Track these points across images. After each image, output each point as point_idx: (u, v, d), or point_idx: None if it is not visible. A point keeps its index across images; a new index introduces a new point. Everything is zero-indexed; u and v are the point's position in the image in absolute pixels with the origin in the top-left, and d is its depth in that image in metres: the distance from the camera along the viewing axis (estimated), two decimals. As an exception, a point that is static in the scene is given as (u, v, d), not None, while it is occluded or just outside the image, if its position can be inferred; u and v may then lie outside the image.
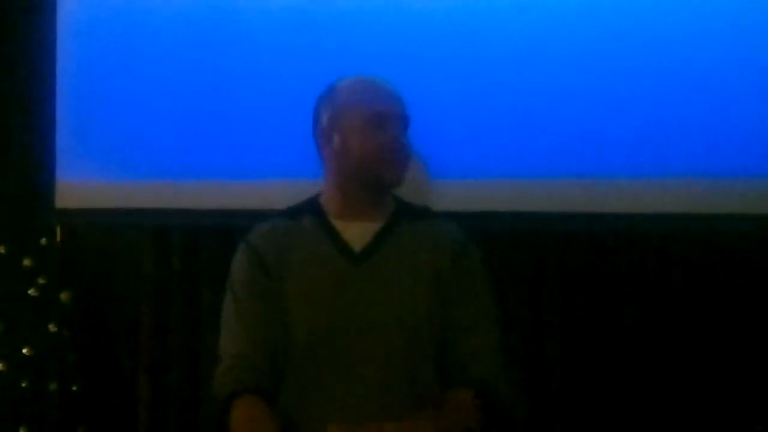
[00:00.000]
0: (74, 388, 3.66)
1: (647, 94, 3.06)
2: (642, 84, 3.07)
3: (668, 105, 3.05)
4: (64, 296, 3.68)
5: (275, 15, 3.40)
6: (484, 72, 3.18)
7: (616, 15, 3.09)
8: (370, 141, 2.27)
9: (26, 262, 3.66)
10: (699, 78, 3.02)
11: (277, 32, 3.39)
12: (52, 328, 3.64)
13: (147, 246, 3.69)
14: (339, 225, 2.33)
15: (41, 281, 3.66)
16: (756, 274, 3.10)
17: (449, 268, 2.31)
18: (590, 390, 3.21)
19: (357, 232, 2.32)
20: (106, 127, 3.59)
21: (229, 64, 3.44)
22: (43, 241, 3.73)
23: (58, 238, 3.80)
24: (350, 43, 3.28)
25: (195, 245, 3.62)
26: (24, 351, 3.60)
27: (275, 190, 3.19)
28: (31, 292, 3.64)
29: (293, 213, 2.41)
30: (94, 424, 3.70)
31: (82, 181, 3.62)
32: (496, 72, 3.18)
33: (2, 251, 3.68)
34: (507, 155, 3.16)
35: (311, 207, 2.39)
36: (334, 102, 2.32)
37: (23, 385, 3.60)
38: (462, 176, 3.18)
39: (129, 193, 3.56)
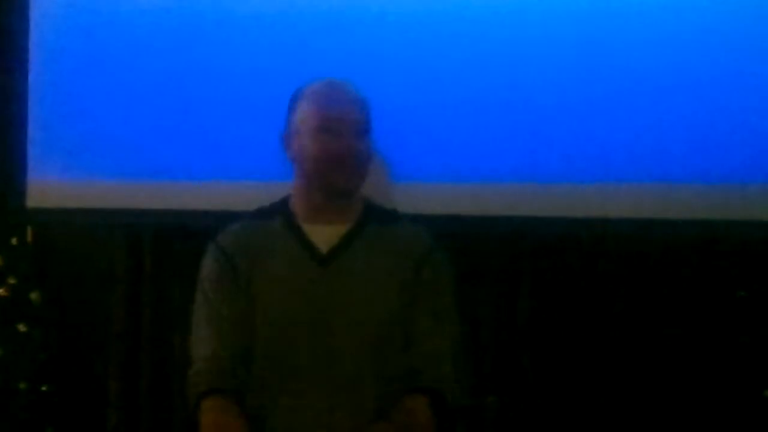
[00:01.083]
0: (44, 389, 3.64)
1: (637, 98, 3.07)
2: (632, 87, 3.08)
3: (658, 109, 3.06)
4: (34, 296, 3.66)
5: (249, 11, 3.39)
6: (467, 74, 3.19)
7: (608, 16, 3.10)
8: (322, 146, 2.27)
9: (-4, 261, 3.64)
10: (689, 82, 3.03)
11: (254, 29, 3.38)
12: (21, 328, 3.63)
13: (118, 246, 3.67)
14: (307, 227, 2.33)
15: (11, 281, 3.65)
16: (749, 280, 3.12)
17: (412, 272, 2.31)
18: (565, 395, 3.21)
19: (324, 235, 2.32)
20: (78, 126, 3.56)
21: (200, 63, 3.43)
22: (14, 240, 3.71)
23: (29, 238, 3.79)
24: (330, 45, 3.27)
25: (166, 245, 3.62)
26: (-6, 351, 3.58)
27: (247, 192, 3.18)
28: (1, 291, 3.62)
29: (264, 214, 2.41)
30: (63, 424, 3.69)
31: (53, 180, 3.60)
32: (478, 74, 3.18)
33: (-28, 251, 3.66)
34: (486, 158, 3.17)
35: (281, 209, 2.39)
36: (296, 106, 2.33)
37: (-7, 385, 3.59)
38: (436, 179, 3.19)
39: (101, 193, 3.54)
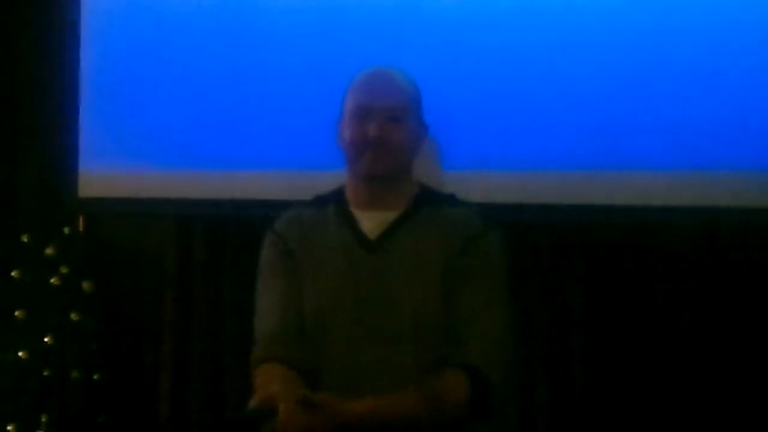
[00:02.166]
0: (96, 377, 3.67)
1: (658, 88, 3.05)
2: (651, 77, 3.05)
3: (677, 98, 3.03)
4: (86, 285, 3.69)
5: (296, 6, 3.40)
6: (499, 67, 3.18)
7: (622, 9, 3.07)
8: (351, 132, 2.33)
9: (49, 250, 3.67)
10: (706, 71, 3.00)
11: (299, 24, 3.39)
12: (74, 316, 3.65)
13: (169, 236, 3.69)
14: (358, 214, 2.36)
15: (64, 270, 3.67)
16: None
17: (458, 254, 2.31)
18: (614, 384, 3.19)
19: (375, 221, 2.35)
20: (129, 117, 3.60)
21: (252, 55, 3.45)
22: (66, 230, 3.74)
23: (81, 228, 3.82)
24: (370, 38, 3.28)
25: (218, 235, 3.63)
26: (46, 339, 3.61)
27: (298, 181, 3.19)
28: (53, 280, 3.65)
29: (319, 202, 2.45)
30: (116, 413, 3.71)
31: (105, 171, 3.64)
32: (510, 67, 3.17)
33: (26, 240, 3.69)
34: (526, 147, 3.16)
35: (336, 197, 2.42)
36: (346, 94, 2.38)
37: (45, 373, 3.61)
38: (480, 167, 3.17)
39: (152, 183, 3.57)
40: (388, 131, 2.29)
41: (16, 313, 3.61)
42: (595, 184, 3.11)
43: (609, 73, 3.08)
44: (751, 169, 2.98)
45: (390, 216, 2.35)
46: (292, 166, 3.33)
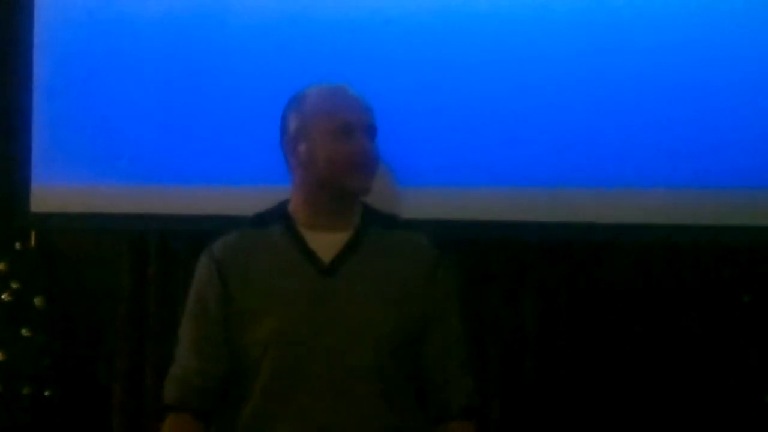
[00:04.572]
0: (47, 394, 3.64)
1: (643, 102, 3.08)
2: (638, 91, 3.08)
3: (664, 113, 3.06)
4: (38, 301, 3.66)
5: (255, 19, 3.39)
6: (474, 78, 3.20)
7: (605, 20, 3.10)
8: (338, 150, 2.24)
9: (0, 266, 3.63)
10: (697, 85, 3.04)
11: (257, 37, 3.39)
12: (25, 332, 3.62)
13: (123, 251, 3.67)
14: (307, 235, 2.28)
15: (15, 285, 3.64)
16: (754, 284, 3.12)
17: (424, 279, 2.28)
18: (568, 399, 3.21)
19: (325, 242, 2.26)
20: (83, 131, 3.57)
21: (206, 68, 3.43)
22: (18, 245, 3.71)
23: (33, 243, 3.78)
24: (334, 49, 3.29)
25: (172, 250, 3.61)
26: (-3, 355, 3.58)
27: (253, 195, 3.15)
28: (4, 296, 3.62)
29: (261, 221, 2.35)
30: (67, 430, 3.68)
31: (57, 185, 3.60)
32: (485, 78, 3.19)
33: (-24, 255, 3.66)
34: (489, 163, 3.18)
35: (279, 215, 2.33)
36: (302, 110, 2.28)
37: (-4, 389, 3.58)
38: (442, 183, 3.19)
39: (105, 198, 3.54)
40: (372, 148, 2.28)
41: (-33, 330, 3.58)
42: (558, 201, 3.13)
43: (571, 89, 3.11)
44: (707, 187, 3.02)
45: (339, 237, 2.28)
46: (247, 182, 3.32)
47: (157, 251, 3.61)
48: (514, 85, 3.15)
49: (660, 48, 3.06)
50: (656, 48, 3.06)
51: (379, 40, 3.26)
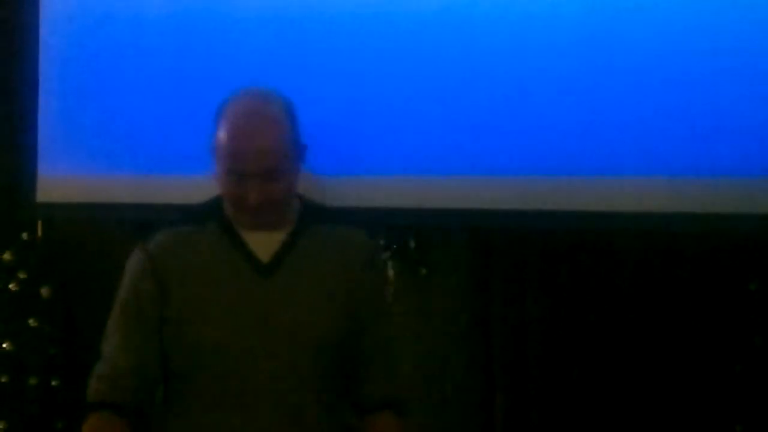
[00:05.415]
0: (54, 383, 3.65)
1: (641, 91, 3.08)
2: (635, 80, 3.08)
3: (663, 102, 3.06)
4: (44, 291, 3.67)
5: (255, 13, 3.41)
6: (464, 70, 3.20)
7: (602, 8, 3.10)
8: (228, 188, 2.18)
9: (6, 256, 3.65)
10: (696, 75, 3.03)
11: (258, 31, 3.41)
12: (32, 322, 3.63)
13: (129, 241, 3.65)
14: (244, 234, 2.22)
15: (22, 276, 3.65)
16: (762, 272, 3.12)
17: (357, 276, 2.24)
18: (572, 391, 3.21)
19: (263, 242, 2.21)
20: (89, 122, 3.59)
21: (210, 61, 3.45)
22: (24, 235, 3.72)
23: (39, 233, 3.79)
24: (328, 44, 3.31)
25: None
26: (4, 345, 3.59)
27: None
28: (11, 286, 3.64)
29: (197, 218, 2.29)
30: (74, 419, 3.68)
31: (63, 176, 3.62)
32: (478, 70, 3.19)
33: (-18, 245, 3.67)
34: (491, 153, 3.18)
35: (214, 213, 2.26)
36: (216, 130, 2.22)
37: (3, 380, 3.59)
38: (448, 173, 3.20)
39: (111, 188, 3.55)
40: (268, 191, 2.15)
41: (-27, 320, 3.60)
42: (562, 190, 3.14)
43: (573, 78, 3.11)
44: (712, 176, 3.01)
45: (277, 236, 2.22)
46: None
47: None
48: (516, 75, 3.16)
49: (656, 36, 3.06)
50: (652, 36, 3.06)
51: (377, 37, 3.28)
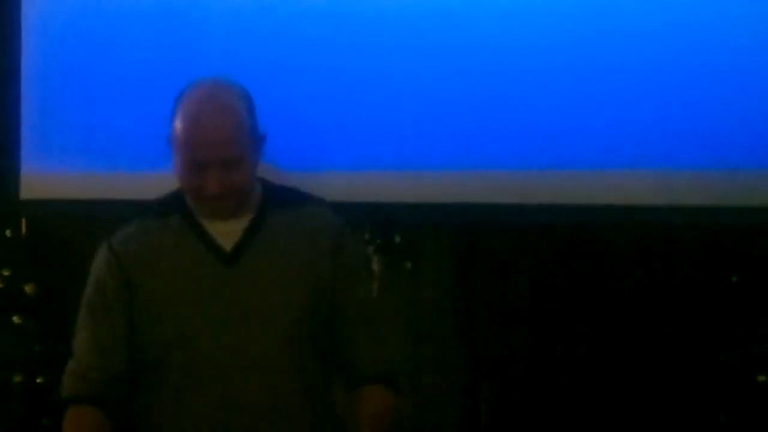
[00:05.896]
0: (39, 381, 3.64)
1: (631, 84, 3.06)
2: (626, 73, 3.06)
3: (652, 95, 3.04)
4: (28, 288, 3.66)
5: (240, 6, 3.40)
6: (455, 64, 3.19)
7: (597, 4, 3.09)
8: (188, 180, 2.18)
9: (-10, 253, 3.64)
10: (684, 68, 3.02)
11: (243, 25, 3.39)
12: (16, 320, 3.62)
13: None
14: (207, 224, 2.22)
15: (6, 273, 3.65)
16: (742, 265, 3.14)
17: (328, 257, 2.23)
18: (557, 382, 3.23)
19: (226, 230, 2.21)
20: (72, 118, 3.57)
21: (198, 55, 3.43)
22: (8, 232, 3.71)
23: (23, 230, 3.78)
24: (321, 39, 3.29)
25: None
26: (-12, 343, 3.58)
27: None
28: (-5, 283, 3.63)
29: (161, 210, 2.30)
30: (59, 416, 3.67)
31: (47, 172, 3.60)
32: (468, 64, 3.19)
33: (-34, 243, 3.66)
34: (480, 147, 3.19)
35: (177, 205, 2.27)
36: (173, 121, 2.22)
37: (-13, 377, 3.59)
38: (440, 168, 3.20)
39: (95, 185, 3.54)
40: (226, 180, 2.14)
41: (-43, 317, 3.59)
42: (548, 184, 3.13)
43: (560, 71, 3.10)
44: (695, 168, 3.03)
45: (240, 224, 2.22)
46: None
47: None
48: (504, 69, 3.15)
49: (649, 30, 3.05)
50: (645, 30, 3.05)
51: (366, 30, 3.26)
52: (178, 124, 2.18)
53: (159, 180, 3.38)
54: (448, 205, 3.20)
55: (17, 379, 3.62)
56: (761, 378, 3.10)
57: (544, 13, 3.12)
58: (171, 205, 2.28)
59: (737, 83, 2.99)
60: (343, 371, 2.27)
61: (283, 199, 2.29)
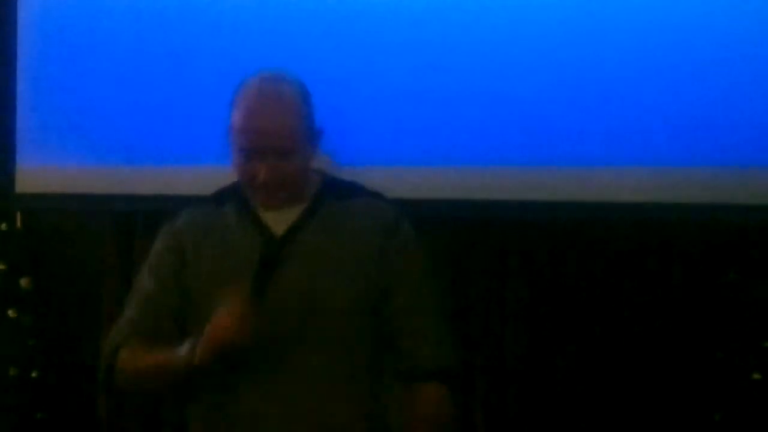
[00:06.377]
0: (34, 375, 3.64)
1: (619, 81, 3.08)
2: (622, 71, 3.08)
3: (641, 92, 3.06)
4: (24, 282, 3.66)
5: (236, 1, 3.40)
6: (449, 61, 3.21)
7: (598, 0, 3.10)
8: (241, 166, 2.22)
9: (-15, 247, 3.64)
10: (682, 66, 3.04)
11: (238, 20, 3.40)
12: (11, 313, 3.62)
13: (109, 231, 3.66)
14: (261, 212, 2.27)
15: (1, 267, 3.65)
16: (740, 262, 3.14)
17: (379, 244, 2.25)
18: (551, 376, 3.23)
19: (280, 218, 2.25)
20: (67, 112, 3.57)
21: (191, 51, 3.44)
22: (3, 226, 3.70)
23: (18, 224, 3.78)
24: (319, 36, 3.30)
25: (157, 231, 3.59)
26: (-17, 337, 3.58)
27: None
28: (-9, 277, 3.62)
29: (219, 199, 2.35)
30: (54, 410, 3.68)
31: (42, 166, 3.60)
32: (462, 61, 3.20)
33: (-39, 236, 3.66)
34: (472, 142, 3.18)
35: (234, 194, 2.32)
36: (232, 110, 2.25)
37: (-18, 371, 3.58)
38: (431, 164, 3.21)
39: (90, 179, 3.55)
40: (279, 169, 2.19)
41: (-48, 311, 3.58)
42: (544, 180, 3.14)
43: (552, 68, 3.12)
44: (691, 166, 3.03)
45: (295, 211, 2.26)
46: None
47: (143, 231, 3.61)
48: (503, 67, 3.16)
49: (648, 28, 3.06)
50: (645, 28, 3.06)
51: (367, 28, 3.28)
52: (236, 112, 2.23)
53: (153, 174, 3.44)
54: (444, 201, 3.20)
55: (12, 372, 3.62)
56: (756, 376, 3.09)
57: (543, 12, 3.12)
58: (228, 194, 2.34)
59: (735, 82, 2.99)
60: (396, 360, 2.26)
61: (339, 190, 2.34)
